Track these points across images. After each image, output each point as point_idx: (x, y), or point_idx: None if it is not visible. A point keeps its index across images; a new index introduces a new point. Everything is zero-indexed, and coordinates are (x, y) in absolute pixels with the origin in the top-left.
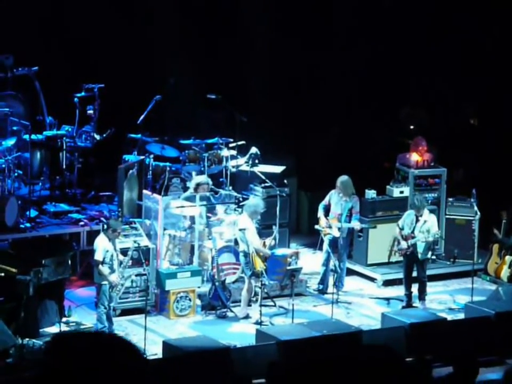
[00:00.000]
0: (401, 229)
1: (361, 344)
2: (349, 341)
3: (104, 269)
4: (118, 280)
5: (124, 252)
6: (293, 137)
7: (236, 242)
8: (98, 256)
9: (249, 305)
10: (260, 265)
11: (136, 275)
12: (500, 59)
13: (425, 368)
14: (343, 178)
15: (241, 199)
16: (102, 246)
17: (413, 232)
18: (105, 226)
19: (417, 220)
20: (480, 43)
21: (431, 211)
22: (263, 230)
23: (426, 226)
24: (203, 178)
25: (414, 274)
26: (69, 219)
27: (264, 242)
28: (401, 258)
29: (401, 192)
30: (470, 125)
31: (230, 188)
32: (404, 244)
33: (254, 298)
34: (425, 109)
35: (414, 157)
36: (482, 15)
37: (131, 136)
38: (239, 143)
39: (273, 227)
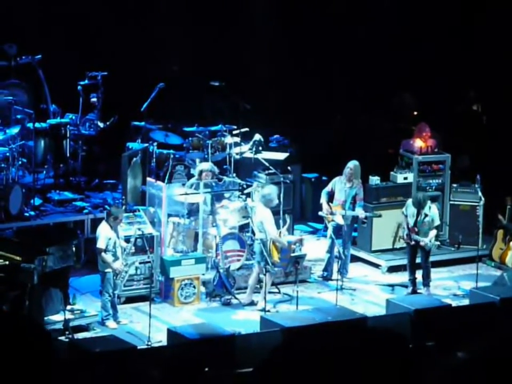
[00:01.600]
0: (406, 216)
1: (365, 328)
2: (353, 327)
3: (108, 257)
4: (122, 267)
5: (127, 239)
6: (297, 124)
7: (240, 229)
8: (100, 244)
9: (255, 292)
10: (276, 256)
11: (141, 262)
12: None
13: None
14: (355, 162)
15: (245, 186)
16: (104, 233)
17: (414, 225)
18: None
19: (418, 213)
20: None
21: (435, 197)
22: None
23: (428, 219)
24: (207, 165)
25: (418, 260)
26: (73, 207)
27: (280, 233)
28: (405, 245)
29: (405, 178)
30: (474, 111)
31: (234, 175)
32: (417, 238)
33: (259, 286)
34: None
35: (418, 143)
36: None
37: (135, 123)
38: (243, 130)
39: (286, 215)
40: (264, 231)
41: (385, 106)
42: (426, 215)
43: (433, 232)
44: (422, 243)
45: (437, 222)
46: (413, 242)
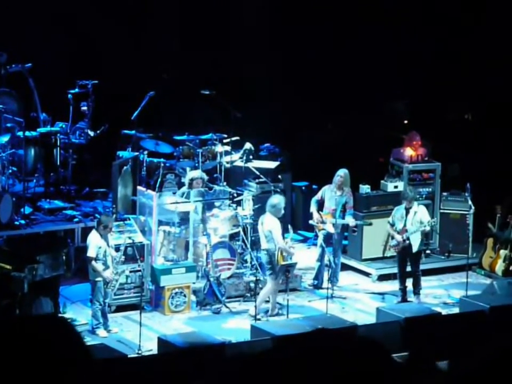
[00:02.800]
0: (392, 225)
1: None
2: (344, 336)
3: (98, 265)
4: (112, 276)
5: (117, 247)
6: (287, 133)
7: (231, 238)
8: (91, 253)
9: (245, 301)
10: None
11: (131, 271)
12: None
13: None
14: (345, 170)
15: (235, 194)
16: (94, 242)
17: (405, 225)
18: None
19: (407, 213)
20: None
21: (426, 205)
22: (258, 226)
23: (418, 218)
24: (197, 173)
25: (409, 269)
26: (64, 216)
27: (287, 242)
28: (396, 253)
29: (396, 187)
30: (465, 120)
31: (224, 183)
32: (397, 238)
33: (249, 294)
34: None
35: (408, 152)
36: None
37: (125, 132)
38: (233, 138)
39: (289, 225)
40: (272, 241)
41: (376, 114)
42: (416, 213)
43: (427, 228)
44: (423, 228)
45: (427, 218)
46: (406, 243)
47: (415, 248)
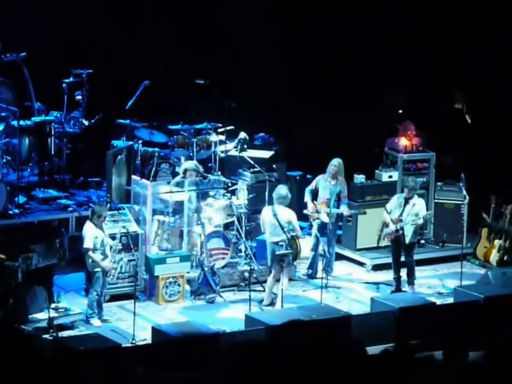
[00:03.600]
0: (389, 213)
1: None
2: (338, 325)
3: (96, 256)
4: (111, 265)
5: (112, 236)
6: (282, 122)
7: (225, 227)
8: (87, 244)
9: (239, 290)
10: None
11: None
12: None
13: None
14: (339, 159)
15: (230, 184)
16: (90, 233)
17: (401, 215)
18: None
19: (405, 203)
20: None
21: (420, 195)
22: (253, 215)
23: (415, 210)
24: (191, 163)
25: (403, 258)
26: (58, 205)
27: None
28: (389, 243)
29: (390, 176)
30: (459, 110)
31: (219, 173)
32: (391, 227)
33: (243, 284)
34: (410, 94)
35: (403, 142)
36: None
37: (119, 121)
38: (228, 128)
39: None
40: (288, 231)
41: (371, 104)
42: (414, 205)
43: (420, 221)
44: (419, 221)
45: (424, 212)
46: (399, 232)
47: (408, 239)
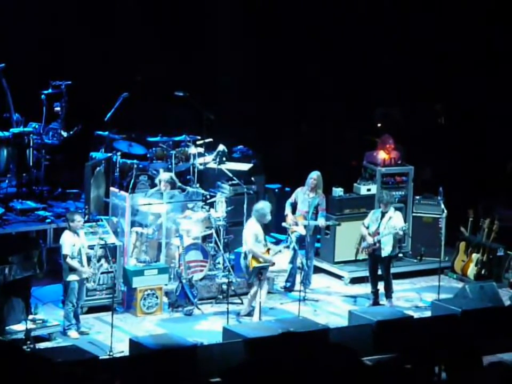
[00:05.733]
0: (367, 227)
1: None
2: (316, 338)
3: (74, 263)
4: (90, 271)
5: (91, 248)
6: (260, 135)
7: (203, 239)
8: (65, 250)
9: (217, 303)
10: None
11: (103, 272)
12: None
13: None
14: (318, 172)
15: (208, 196)
16: (67, 240)
17: (378, 228)
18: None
19: (382, 217)
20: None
21: (398, 209)
22: (231, 228)
23: (392, 223)
24: (166, 175)
25: (380, 272)
26: (36, 216)
27: (268, 250)
28: (367, 256)
29: (369, 190)
30: (438, 124)
31: (198, 185)
32: (369, 240)
33: (221, 296)
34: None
35: (381, 155)
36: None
37: (98, 133)
38: (207, 140)
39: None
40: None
41: (351, 118)
42: (390, 218)
43: (399, 233)
44: (394, 232)
45: (401, 224)
46: (377, 245)
47: (384, 253)
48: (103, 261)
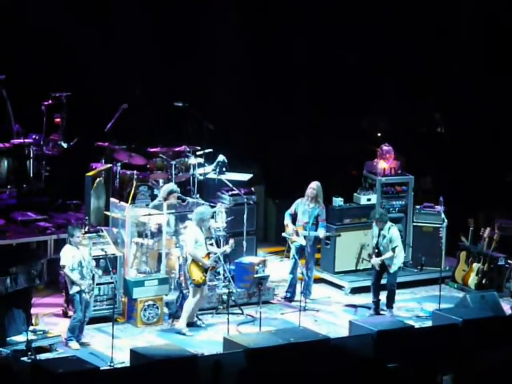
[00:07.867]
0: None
1: (329, 352)
2: (316, 348)
3: (74, 275)
4: (86, 283)
5: (95, 259)
6: (261, 145)
7: None
8: (63, 261)
9: (217, 313)
10: (196, 275)
11: (104, 283)
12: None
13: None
14: (317, 183)
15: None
16: (66, 252)
17: (376, 245)
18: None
19: (379, 234)
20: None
21: (398, 219)
22: (231, 238)
23: (385, 242)
24: (173, 185)
25: (383, 281)
26: (36, 227)
27: (208, 254)
28: (369, 266)
29: (369, 199)
30: (437, 133)
31: (198, 195)
32: (373, 261)
33: (221, 306)
34: (387, 117)
35: (381, 165)
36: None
37: (98, 144)
38: (206, 151)
39: (232, 239)
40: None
41: (349, 128)
42: (384, 236)
43: (388, 254)
44: (373, 261)
45: (395, 244)
46: (377, 268)
47: (395, 267)
48: (99, 271)
